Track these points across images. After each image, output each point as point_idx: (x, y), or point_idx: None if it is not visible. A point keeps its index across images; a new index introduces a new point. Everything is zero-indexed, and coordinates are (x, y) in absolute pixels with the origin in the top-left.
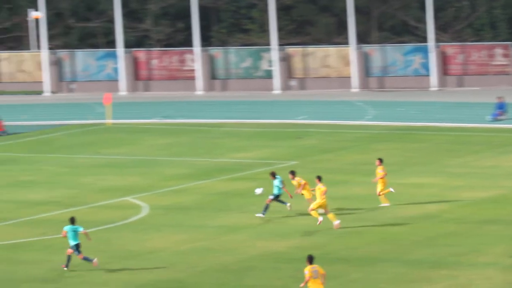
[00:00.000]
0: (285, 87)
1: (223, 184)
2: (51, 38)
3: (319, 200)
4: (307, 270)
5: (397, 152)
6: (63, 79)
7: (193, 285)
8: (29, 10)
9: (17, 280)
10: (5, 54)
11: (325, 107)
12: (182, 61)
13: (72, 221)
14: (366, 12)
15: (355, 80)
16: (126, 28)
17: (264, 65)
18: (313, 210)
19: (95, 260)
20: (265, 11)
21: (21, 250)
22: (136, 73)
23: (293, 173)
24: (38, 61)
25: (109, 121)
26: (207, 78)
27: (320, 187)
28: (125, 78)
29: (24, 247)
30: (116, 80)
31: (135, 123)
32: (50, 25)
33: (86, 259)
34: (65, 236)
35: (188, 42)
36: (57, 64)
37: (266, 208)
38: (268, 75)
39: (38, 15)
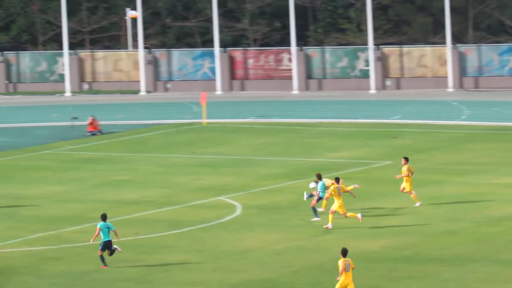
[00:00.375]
0: (381, 86)
1: None
2: (147, 37)
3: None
4: (341, 261)
5: (492, 152)
6: (159, 79)
7: (286, 284)
8: (126, 9)
9: (110, 280)
10: (101, 53)
11: (420, 107)
12: (278, 61)
13: (104, 218)
14: (463, 11)
15: (450, 80)
16: (222, 28)
17: (360, 65)
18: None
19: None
20: (362, 10)
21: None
22: (232, 73)
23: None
24: (134, 60)
25: (205, 120)
26: (303, 78)
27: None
28: (221, 78)
29: (118, 246)
30: (212, 80)
31: (231, 123)
32: (147, 24)
33: (101, 257)
34: (99, 234)
35: (284, 42)
36: (153, 63)
37: (315, 211)
38: (364, 74)
39: (135, 14)
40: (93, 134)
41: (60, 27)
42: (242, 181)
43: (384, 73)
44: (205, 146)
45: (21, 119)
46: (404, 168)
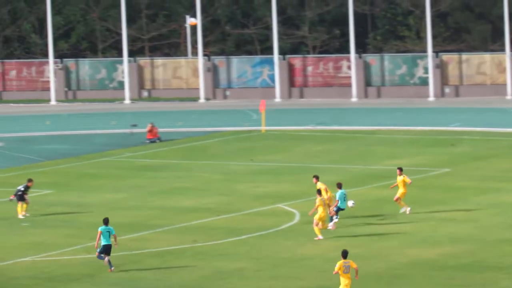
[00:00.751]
0: (440, 94)
1: (376, 191)
2: (207, 44)
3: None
4: (338, 264)
5: None
6: (218, 86)
7: None
8: (186, 16)
9: (168, 287)
10: (161, 60)
11: (479, 114)
12: (337, 68)
13: (106, 222)
14: None
15: (509, 87)
16: (282, 35)
17: (419, 72)
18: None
19: (112, 268)
20: (421, 18)
21: (172, 257)
22: (291, 80)
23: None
24: (193, 67)
25: (263, 128)
26: (362, 85)
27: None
28: (280, 85)
29: (176, 254)
30: (271, 87)
31: (289, 130)
32: (206, 31)
33: (100, 257)
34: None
35: (343, 49)
36: (212, 70)
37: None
38: (423, 82)
39: (194, 21)
40: (152, 142)
41: (119, 34)
42: (301, 188)
43: (443, 80)
44: (264, 154)
45: (81, 126)
46: (399, 178)
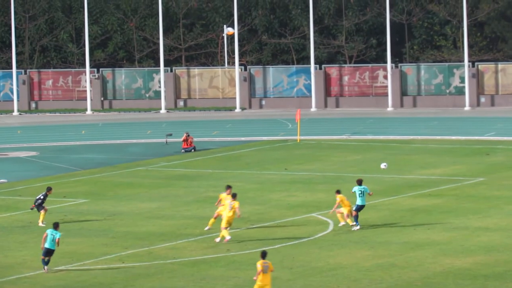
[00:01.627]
0: (475, 103)
1: (410, 201)
2: (243, 54)
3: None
4: (259, 264)
5: None
6: (254, 95)
7: None
8: (223, 26)
9: None
10: (197, 70)
11: None
12: (374, 78)
13: (55, 226)
14: None
15: None
16: (318, 44)
17: (455, 82)
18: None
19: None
20: (458, 27)
21: (206, 266)
22: (327, 90)
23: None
24: (230, 77)
25: (299, 137)
26: (398, 95)
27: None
28: (316, 94)
29: (210, 263)
30: (307, 96)
31: (325, 140)
32: (243, 41)
33: (43, 261)
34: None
35: (380, 59)
36: (248, 80)
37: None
38: (459, 91)
39: (231, 31)
40: (187, 151)
41: (156, 44)
42: (335, 198)
43: (479, 90)
44: (299, 163)
45: (116, 135)
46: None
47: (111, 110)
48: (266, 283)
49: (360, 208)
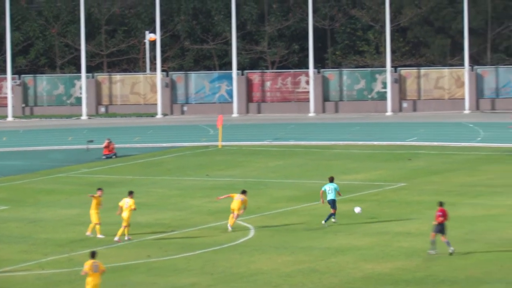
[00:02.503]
0: (398, 109)
1: None
2: (165, 60)
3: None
4: (87, 264)
5: (507, 174)
6: (176, 101)
7: None
8: (145, 32)
9: None
10: (119, 76)
11: (436, 129)
12: (296, 83)
13: None
14: (481, 33)
15: (467, 101)
16: (241, 50)
17: (378, 87)
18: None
19: None
20: (380, 32)
21: (127, 272)
22: (249, 95)
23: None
24: (151, 83)
25: (220, 143)
26: (320, 100)
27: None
28: (238, 100)
29: (130, 269)
30: (229, 102)
31: (246, 145)
32: (165, 47)
33: None
34: None
35: (302, 64)
36: (170, 86)
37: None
38: (381, 97)
39: (153, 37)
40: (108, 157)
41: (78, 50)
42: (257, 203)
43: (401, 95)
44: (220, 169)
45: (37, 142)
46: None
47: (32, 116)
48: (97, 283)
49: (332, 202)
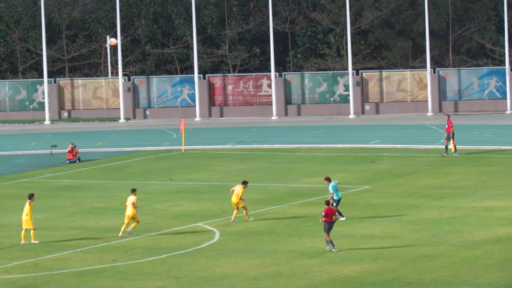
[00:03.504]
0: (360, 111)
1: (296, 209)
2: (127, 64)
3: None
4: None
5: (470, 176)
6: (138, 106)
7: None
8: (106, 37)
9: None
10: (81, 81)
11: (399, 131)
12: (258, 87)
13: None
14: (443, 35)
15: (430, 104)
16: (202, 54)
17: (340, 90)
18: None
19: None
20: (341, 35)
21: (92, 276)
22: (211, 99)
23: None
24: (113, 87)
25: (183, 147)
26: (282, 103)
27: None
28: (200, 104)
29: (96, 273)
30: (191, 106)
31: (210, 149)
32: (127, 51)
33: None
34: None
35: (263, 67)
36: (132, 90)
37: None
38: (344, 99)
39: (114, 41)
40: (72, 162)
41: (40, 55)
42: (221, 207)
43: (363, 98)
44: (184, 173)
45: (0, 147)
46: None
47: None
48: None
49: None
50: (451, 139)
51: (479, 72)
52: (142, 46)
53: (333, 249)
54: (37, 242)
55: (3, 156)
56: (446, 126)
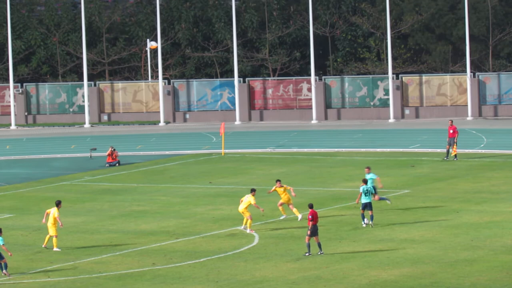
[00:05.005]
0: (400, 115)
1: (336, 213)
2: (167, 68)
3: None
4: None
5: (510, 180)
6: (178, 109)
7: None
8: (146, 40)
9: None
10: (121, 84)
11: (439, 136)
12: (298, 90)
13: None
14: (483, 40)
15: (470, 108)
16: (242, 58)
17: (380, 94)
18: None
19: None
20: (381, 39)
21: (131, 280)
22: (251, 103)
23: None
24: (153, 91)
25: (223, 150)
26: (322, 107)
27: None
28: (240, 108)
29: (135, 277)
30: (231, 110)
31: (249, 153)
32: (167, 55)
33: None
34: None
35: (304, 71)
36: (172, 94)
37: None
38: (383, 103)
39: (155, 45)
40: (111, 165)
41: (80, 58)
42: (259, 211)
43: (403, 102)
44: (224, 176)
45: (40, 150)
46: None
47: (35, 125)
48: None
49: (365, 205)
50: (454, 144)
51: None
52: (182, 49)
53: (307, 253)
54: (59, 250)
55: (43, 159)
56: (451, 131)
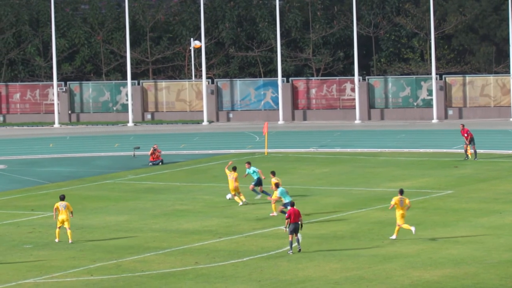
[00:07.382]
0: (443, 116)
1: (378, 213)
2: (210, 67)
3: None
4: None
5: None
6: (221, 108)
7: None
8: (190, 39)
9: None
10: (164, 83)
11: (482, 136)
12: (341, 90)
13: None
14: None
15: None
16: (285, 57)
17: (423, 94)
18: None
19: None
20: (425, 40)
21: (174, 279)
22: (294, 102)
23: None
24: (197, 90)
25: (266, 150)
26: (366, 107)
27: None
28: (283, 107)
29: (178, 276)
30: (274, 109)
31: (292, 152)
32: (210, 54)
33: None
34: None
35: (347, 71)
36: (216, 93)
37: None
38: (427, 104)
39: (198, 44)
40: (155, 164)
41: (123, 57)
42: (303, 210)
43: (447, 102)
44: (267, 176)
45: (83, 149)
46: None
47: (78, 123)
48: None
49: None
50: (472, 144)
51: None
52: (226, 49)
53: (289, 252)
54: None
55: (86, 157)
56: (466, 135)
